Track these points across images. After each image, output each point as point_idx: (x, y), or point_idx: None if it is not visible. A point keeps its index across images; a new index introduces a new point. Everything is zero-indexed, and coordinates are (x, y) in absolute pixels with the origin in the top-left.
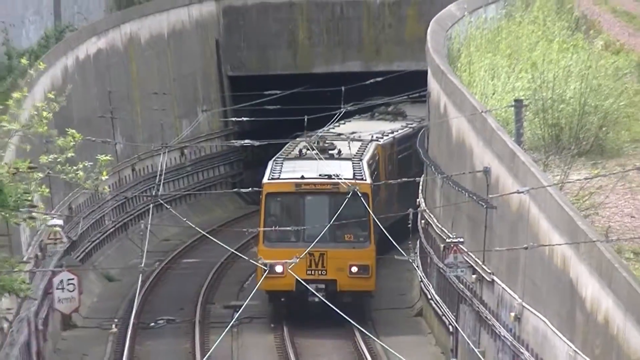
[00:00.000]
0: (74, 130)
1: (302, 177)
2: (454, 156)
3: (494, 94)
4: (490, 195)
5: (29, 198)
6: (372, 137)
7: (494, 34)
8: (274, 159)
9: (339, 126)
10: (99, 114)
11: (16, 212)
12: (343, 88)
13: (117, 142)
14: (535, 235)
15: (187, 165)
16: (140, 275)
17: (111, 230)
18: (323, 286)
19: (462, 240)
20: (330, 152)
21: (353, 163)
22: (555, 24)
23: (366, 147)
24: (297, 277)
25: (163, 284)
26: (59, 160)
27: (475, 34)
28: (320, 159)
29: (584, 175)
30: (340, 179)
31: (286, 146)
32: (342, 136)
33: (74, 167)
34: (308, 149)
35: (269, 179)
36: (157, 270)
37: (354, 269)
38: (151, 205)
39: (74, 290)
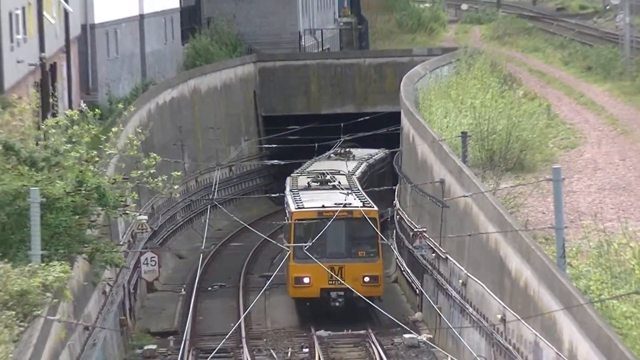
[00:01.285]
0: (155, 154)
1: (323, 206)
2: (419, 171)
3: (447, 127)
4: (445, 198)
5: (124, 200)
6: (348, 172)
7: (447, 85)
8: (289, 190)
9: (311, 165)
10: (172, 142)
11: (115, 210)
12: (342, 124)
13: (185, 162)
14: (476, 226)
15: (233, 178)
16: (201, 254)
17: (181, 223)
18: (342, 293)
19: (425, 229)
20: (331, 184)
21: (355, 193)
22: (490, 79)
23: (351, 179)
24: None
25: (217, 260)
26: (144, 174)
27: (434, 86)
28: (341, 189)
29: (510, 184)
30: (356, 207)
31: (288, 181)
32: (340, 171)
33: (155, 180)
34: (313, 182)
35: (297, 208)
36: (213, 251)
37: (366, 279)
38: (209, 206)
39: (155, 265)
